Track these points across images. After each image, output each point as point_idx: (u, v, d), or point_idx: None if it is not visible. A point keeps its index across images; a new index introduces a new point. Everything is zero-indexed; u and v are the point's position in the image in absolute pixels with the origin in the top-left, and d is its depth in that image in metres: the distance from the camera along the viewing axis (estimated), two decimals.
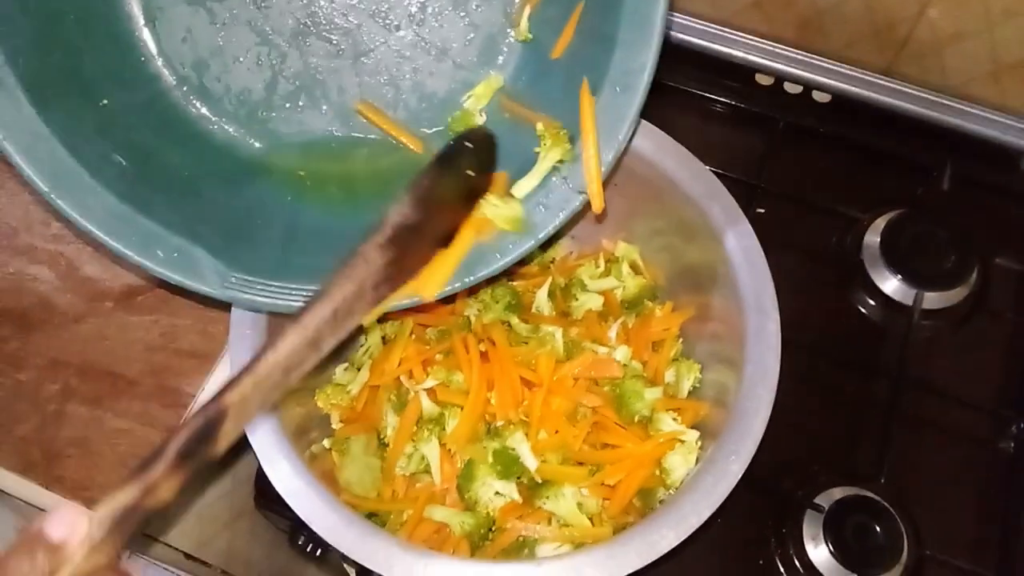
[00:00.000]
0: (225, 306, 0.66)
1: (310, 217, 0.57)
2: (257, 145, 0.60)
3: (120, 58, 0.57)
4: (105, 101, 0.55)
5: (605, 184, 0.53)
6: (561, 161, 0.53)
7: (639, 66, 0.51)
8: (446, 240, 0.53)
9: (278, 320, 0.56)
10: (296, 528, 0.67)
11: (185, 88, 0.59)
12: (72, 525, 0.37)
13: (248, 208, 0.56)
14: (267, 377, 0.42)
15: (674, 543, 0.47)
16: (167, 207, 0.52)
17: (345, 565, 0.82)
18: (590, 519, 0.55)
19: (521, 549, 0.54)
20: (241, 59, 0.60)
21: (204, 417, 0.40)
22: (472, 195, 0.53)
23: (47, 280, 0.70)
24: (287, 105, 0.61)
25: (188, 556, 0.72)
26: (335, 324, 0.45)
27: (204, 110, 0.60)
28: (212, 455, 0.41)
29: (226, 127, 0.60)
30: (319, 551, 0.70)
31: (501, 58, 0.61)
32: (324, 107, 0.61)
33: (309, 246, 0.55)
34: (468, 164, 0.52)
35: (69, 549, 0.36)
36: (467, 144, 0.53)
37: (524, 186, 0.54)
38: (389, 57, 0.61)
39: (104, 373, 0.66)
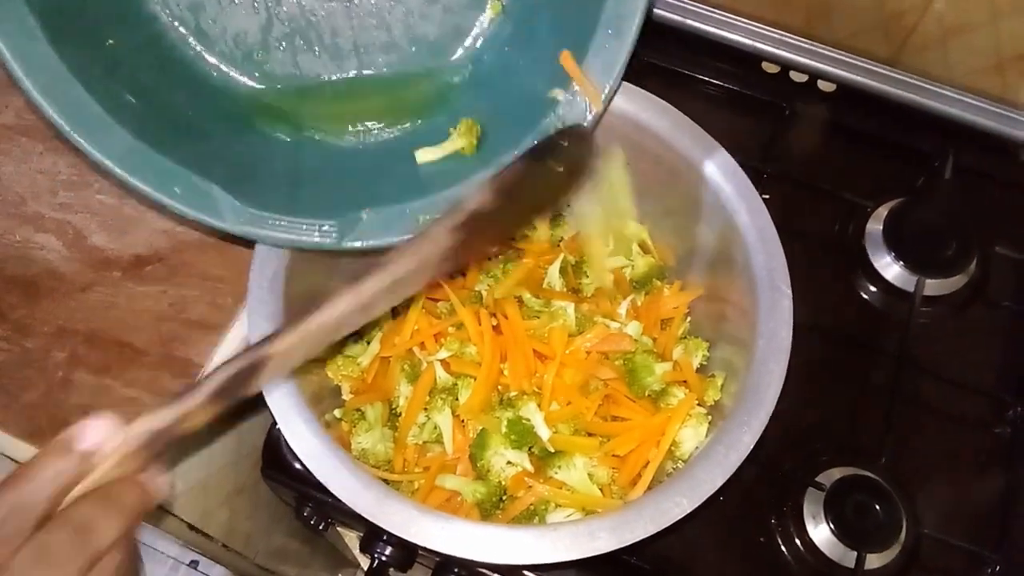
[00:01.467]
0: (235, 276, 0.67)
1: (311, 157, 0.58)
2: (254, 86, 0.62)
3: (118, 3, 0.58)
4: (111, 41, 0.56)
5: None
6: (462, 150, 0.57)
7: (630, 11, 0.51)
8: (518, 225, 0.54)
9: (293, 290, 0.56)
10: (302, 500, 0.67)
11: (182, 29, 0.61)
12: (105, 436, 0.38)
13: (252, 148, 0.58)
14: (314, 335, 0.44)
15: (688, 510, 0.48)
16: (178, 145, 0.54)
17: (347, 540, 0.83)
18: (600, 489, 0.56)
19: (531, 518, 0.55)
20: (236, 1, 0.61)
21: (248, 360, 0.42)
22: (557, 190, 0.53)
23: (54, 249, 0.69)
24: (282, 47, 0.62)
25: (192, 527, 0.73)
26: (390, 293, 0.46)
27: (201, 50, 0.61)
28: (246, 395, 0.43)
29: (223, 68, 0.62)
30: (323, 525, 0.71)
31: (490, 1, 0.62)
32: (318, 49, 0.62)
33: (314, 184, 0.56)
34: (559, 161, 0.51)
35: (98, 458, 0.38)
36: (562, 142, 0.52)
37: (427, 155, 0.55)
38: (380, 1, 0.62)
39: (112, 342, 0.66)
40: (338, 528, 0.81)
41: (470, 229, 0.47)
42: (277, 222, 0.53)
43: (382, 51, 0.62)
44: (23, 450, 0.63)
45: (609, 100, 0.56)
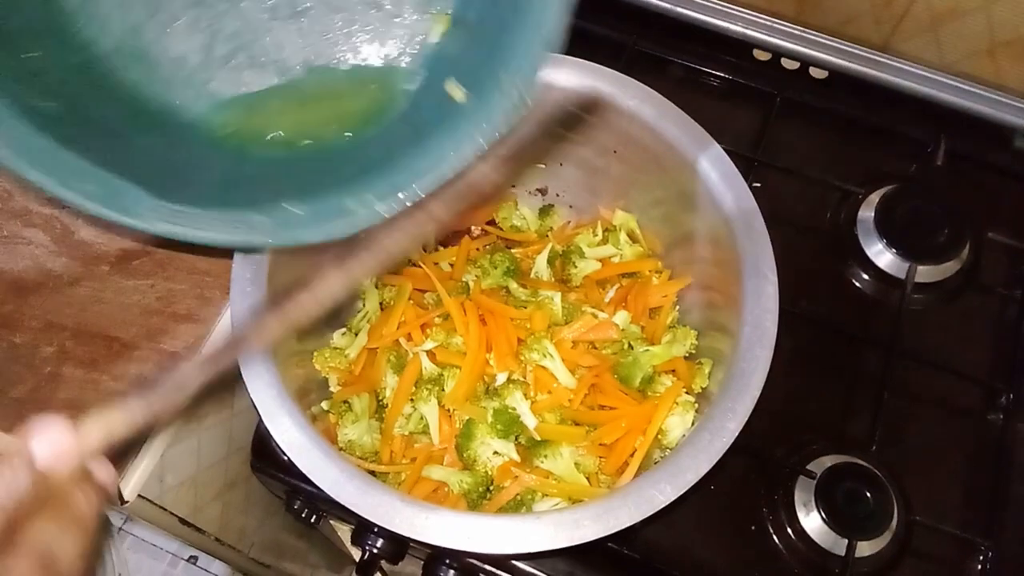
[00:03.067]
0: (221, 270, 0.67)
1: (251, 165, 0.55)
2: (197, 108, 0.58)
3: (51, 21, 0.54)
4: (35, 54, 0.52)
5: None
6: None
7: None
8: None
9: (277, 281, 0.56)
10: (292, 493, 0.67)
11: (120, 54, 0.57)
12: (59, 446, 0.36)
13: (188, 157, 0.55)
14: (296, 313, 0.45)
15: (672, 497, 0.47)
16: (97, 148, 0.50)
17: (339, 533, 0.83)
18: (587, 478, 0.56)
19: (518, 508, 0.55)
20: (176, 23, 0.58)
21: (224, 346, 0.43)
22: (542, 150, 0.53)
23: (42, 244, 0.69)
24: (226, 66, 0.59)
25: (183, 521, 0.72)
26: (377, 267, 0.47)
27: (141, 76, 0.57)
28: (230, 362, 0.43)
29: (164, 92, 0.58)
30: (314, 517, 0.71)
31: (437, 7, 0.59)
32: (265, 66, 0.60)
33: (251, 185, 0.53)
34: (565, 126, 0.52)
35: (54, 470, 0.36)
36: (575, 110, 0.53)
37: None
38: (324, 13, 0.59)
39: (100, 336, 0.66)
40: (331, 522, 0.81)
41: (466, 200, 0.47)
42: (201, 218, 0.49)
43: (332, 62, 0.60)
44: (4, 443, 0.63)
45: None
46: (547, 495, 0.55)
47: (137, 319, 0.66)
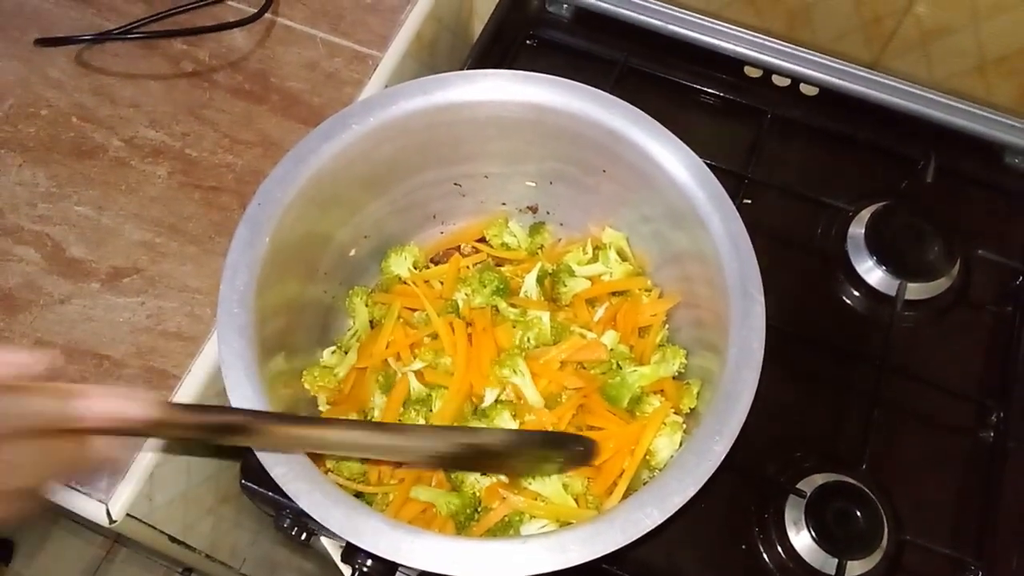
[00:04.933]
0: (211, 288, 0.67)
1: None
2: None
3: None
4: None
5: None
6: None
7: None
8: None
9: (265, 301, 0.56)
10: (281, 511, 0.67)
11: None
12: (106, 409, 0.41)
13: None
14: (306, 441, 0.50)
15: (659, 521, 0.47)
16: None
17: (329, 550, 0.83)
18: (575, 500, 0.56)
19: (506, 530, 0.55)
20: None
21: (241, 418, 0.48)
22: (540, 470, 0.57)
23: (33, 261, 0.69)
24: None
25: (173, 539, 0.72)
26: (382, 453, 0.53)
27: None
28: (220, 441, 0.49)
29: None
30: (304, 535, 0.70)
31: None
32: None
33: None
34: (563, 455, 0.55)
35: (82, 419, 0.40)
36: (578, 447, 0.55)
37: None
38: None
39: (90, 354, 0.66)
40: (322, 539, 0.81)
41: (470, 453, 0.52)
42: None
43: None
44: None
45: None
46: (535, 517, 0.55)
47: (127, 337, 0.67)
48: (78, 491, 0.61)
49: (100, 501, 0.60)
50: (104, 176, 0.73)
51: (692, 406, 0.60)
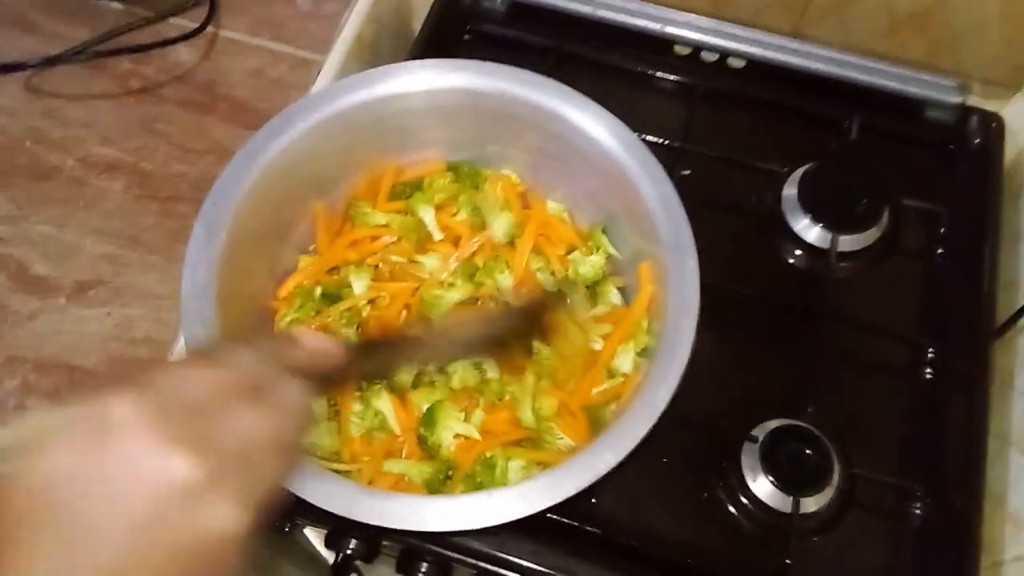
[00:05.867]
0: (176, 293, 0.69)
1: None
2: None
3: None
4: None
5: None
6: None
7: None
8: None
9: (227, 294, 0.58)
10: None
11: None
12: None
13: None
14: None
15: (613, 463, 0.50)
16: None
17: (312, 540, 0.85)
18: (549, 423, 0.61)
19: (478, 488, 0.58)
20: None
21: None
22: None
23: None
24: None
25: None
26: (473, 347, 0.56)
27: None
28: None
29: None
30: (287, 526, 0.72)
31: None
32: None
33: None
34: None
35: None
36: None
37: None
38: None
39: (62, 366, 0.68)
40: (305, 531, 0.83)
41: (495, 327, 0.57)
42: None
43: None
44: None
45: None
46: (511, 459, 0.58)
47: (97, 347, 0.68)
48: None
49: None
50: (62, 195, 0.75)
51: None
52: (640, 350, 0.64)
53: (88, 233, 0.73)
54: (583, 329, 0.65)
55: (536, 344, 0.64)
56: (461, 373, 0.62)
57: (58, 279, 0.71)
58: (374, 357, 0.50)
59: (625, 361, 0.62)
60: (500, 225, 0.68)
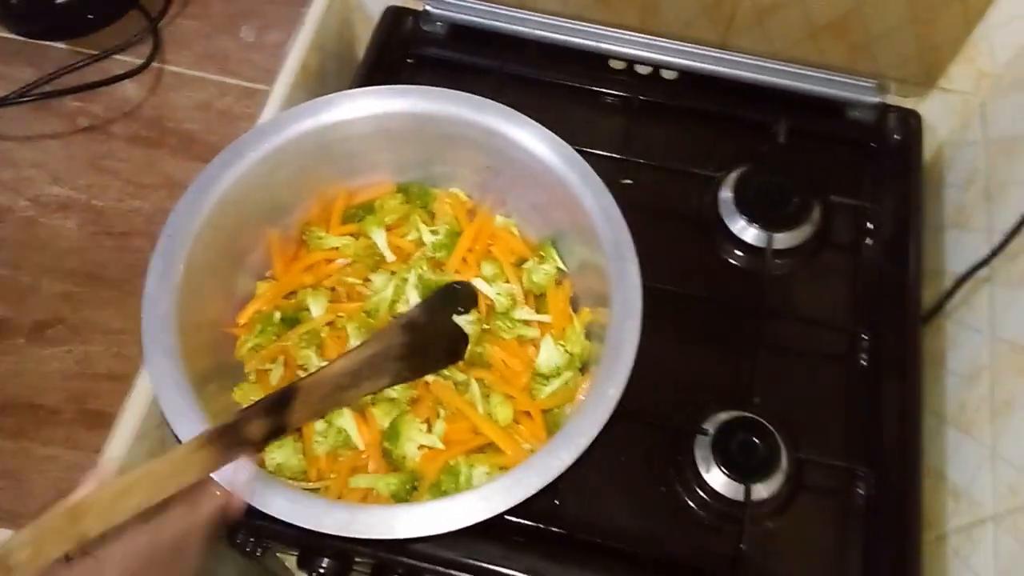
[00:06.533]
0: (135, 327, 0.70)
1: None
2: None
3: None
4: None
5: None
6: None
7: None
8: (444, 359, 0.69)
9: (187, 323, 0.60)
10: (234, 527, 0.70)
11: None
12: None
13: None
14: (322, 383, 0.60)
15: (568, 462, 0.53)
16: None
17: (285, 562, 0.86)
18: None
19: (444, 496, 0.60)
20: None
21: (281, 390, 0.58)
22: (457, 339, 0.69)
23: None
24: None
25: None
26: (370, 367, 0.63)
27: None
28: (286, 422, 0.58)
29: None
30: (258, 550, 0.74)
31: None
32: None
33: None
34: (456, 299, 0.70)
35: None
36: (457, 287, 0.70)
37: None
38: None
39: (24, 406, 0.68)
40: (277, 554, 0.84)
41: (411, 332, 0.66)
42: None
43: None
44: None
45: None
46: (473, 466, 0.60)
47: (59, 385, 0.69)
48: None
49: None
50: (15, 236, 0.75)
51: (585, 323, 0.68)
52: (576, 352, 0.67)
53: (44, 272, 0.74)
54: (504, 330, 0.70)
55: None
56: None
57: (15, 320, 0.71)
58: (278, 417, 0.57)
59: (553, 357, 0.66)
60: (439, 236, 0.72)
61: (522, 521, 0.67)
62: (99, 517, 0.48)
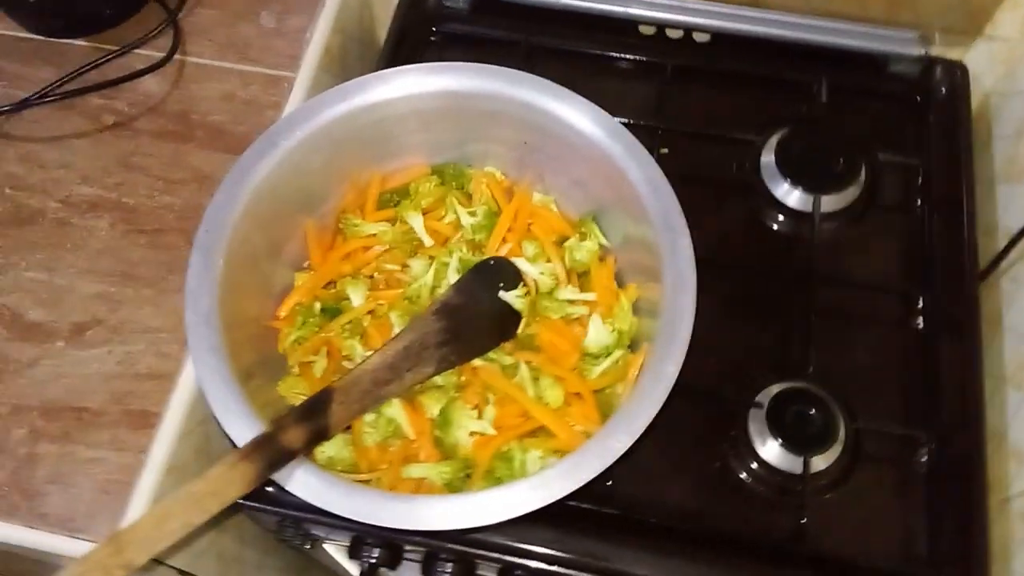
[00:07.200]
0: (174, 325, 0.69)
1: None
2: None
3: None
4: None
5: None
6: None
7: None
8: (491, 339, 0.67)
9: (230, 319, 0.59)
10: (282, 521, 0.69)
11: None
12: None
13: None
14: (359, 380, 0.59)
15: (628, 444, 0.51)
16: None
17: (334, 555, 0.85)
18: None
19: (498, 483, 0.58)
20: None
21: (316, 394, 0.58)
22: (503, 317, 0.68)
23: None
24: None
25: (182, 573, 0.74)
26: (407, 358, 0.62)
27: None
28: (324, 426, 0.57)
29: None
30: (308, 543, 0.73)
31: None
32: None
33: None
34: (495, 275, 0.69)
35: None
36: (492, 263, 0.69)
37: None
38: None
39: (68, 409, 0.68)
40: (324, 546, 0.84)
41: (448, 315, 0.65)
42: None
43: None
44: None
45: None
46: (527, 450, 0.59)
47: (101, 386, 0.68)
48: (79, 539, 0.63)
49: None
50: (48, 239, 0.74)
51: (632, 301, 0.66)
52: (624, 329, 0.66)
53: (79, 274, 0.73)
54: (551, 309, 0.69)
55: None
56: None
57: (54, 323, 0.71)
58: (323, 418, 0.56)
59: (601, 336, 0.64)
60: (477, 218, 0.70)
61: (575, 503, 0.65)
62: (143, 545, 0.48)
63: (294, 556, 0.97)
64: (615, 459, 0.51)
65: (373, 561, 0.68)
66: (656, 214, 0.59)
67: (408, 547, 0.68)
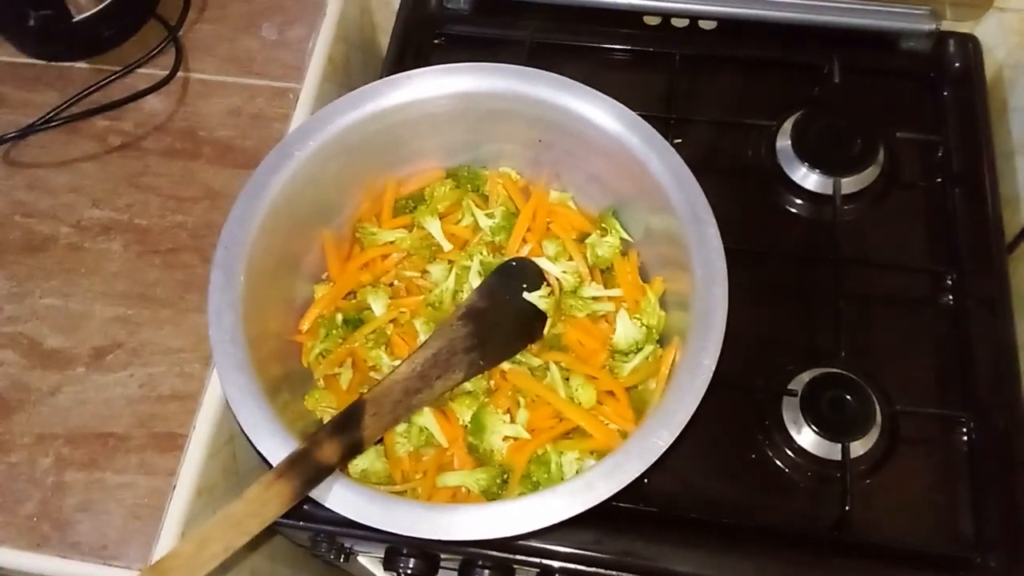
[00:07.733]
0: (195, 344, 0.69)
1: None
2: None
3: None
4: None
5: None
6: None
7: None
8: (519, 341, 0.67)
9: (255, 334, 0.58)
10: (316, 537, 0.68)
11: None
12: None
13: None
14: (390, 391, 0.59)
15: (670, 440, 0.50)
16: None
17: (369, 566, 0.84)
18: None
19: (536, 488, 0.57)
20: None
21: (348, 407, 0.57)
22: (529, 318, 0.67)
23: (12, 362, 0.70)
24: None
25: None
26: (435, 365, 0.61)
27: None
28: (358, 439, 0.56)
29: None
30: (341, 557, 0.72)
31: None
32: None
33: None
34: (517, 277, 0.68)
35: None
36: (514, 264, 0.68)
37: None
38: None
39: (93, 435, 0.67)
40: (359, 558, 0.83)
41: (474, 319, 0.64)
42: None
43: None
44: (29, 562, 0.63)
45: None
46: (563, 452, 0.58)
47: (125, 410, 0.68)
48: (114, 566, 0.62)
49: (138, 570, 0.62)
50: (61, 264, 0.74)
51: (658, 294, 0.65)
52: (653, 323, 0.64)
53: (95, 298, 0.72)
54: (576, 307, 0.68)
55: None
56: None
57: (73, 349, 0.70)
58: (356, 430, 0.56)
59: (630, 332, 0.63)
60: (495, 219, 0.69)
61: (612, 503, 0.64)
62: (185, 572, 0.47)
63: (325, 569, 0.96)
64: (657, 457, 0.50)
65: (410, 572, 0.67)
66: (681, 205, 0.58)
67: (444, 556, 0.67)
